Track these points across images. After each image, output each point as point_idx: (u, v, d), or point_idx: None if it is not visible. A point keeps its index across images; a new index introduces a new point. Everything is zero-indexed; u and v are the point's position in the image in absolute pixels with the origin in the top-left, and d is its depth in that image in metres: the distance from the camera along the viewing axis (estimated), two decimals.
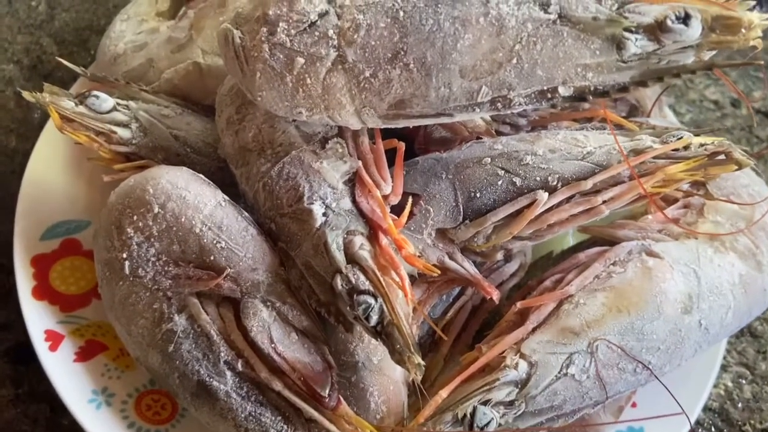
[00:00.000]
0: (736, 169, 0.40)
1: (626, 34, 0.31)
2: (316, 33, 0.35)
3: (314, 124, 0.38)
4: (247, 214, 0.39)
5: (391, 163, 0.39)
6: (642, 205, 0.43)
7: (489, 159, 0.41)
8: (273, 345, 0.36)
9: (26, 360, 0.47)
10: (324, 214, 0.36)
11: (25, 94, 0.42)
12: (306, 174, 0.37)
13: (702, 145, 0.40)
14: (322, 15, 0.35)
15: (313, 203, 0.36)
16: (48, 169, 0.49)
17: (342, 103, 0.35)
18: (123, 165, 0.43)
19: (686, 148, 0.40)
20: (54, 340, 0.43)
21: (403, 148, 0.39)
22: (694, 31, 0.31)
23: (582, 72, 0.32)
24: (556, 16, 0.32)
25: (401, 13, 0.34)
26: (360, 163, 0.38)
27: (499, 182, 0.41)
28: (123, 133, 0.43)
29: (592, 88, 0.33)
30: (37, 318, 0.43)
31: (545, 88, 0.33)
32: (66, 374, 0.41)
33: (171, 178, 0.39)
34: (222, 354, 0.37)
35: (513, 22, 0.32)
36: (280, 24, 0.35)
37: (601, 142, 0.42)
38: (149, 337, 0.39)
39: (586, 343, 0.38)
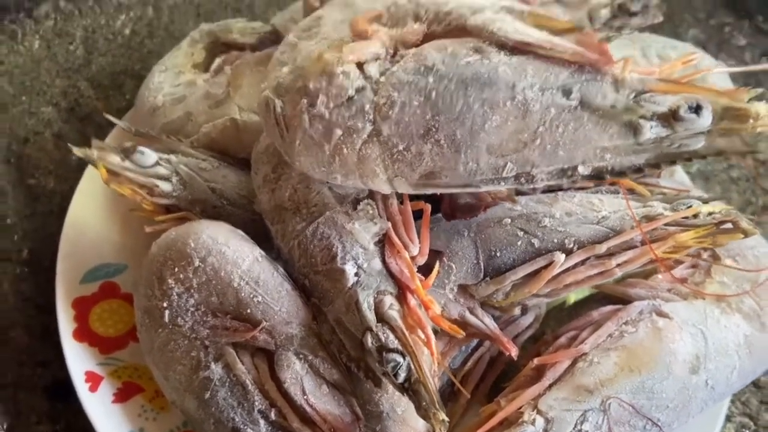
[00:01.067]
0: (743, 237, 0.43)
1: (642, 122, 0.34)
2: (354, 107, 0.38)
3: (347, 187, 0.41)
4: (282, 269, 0.42)
5: (417, 221, 0.42)
6: (653, 266, 0.45)
7: (509, 220, 0.44)
8: (305, 396, 0.39)
9: (63, 397, 0.49)
10: (356, 274, 0.39)
11: (75, 150, 0.45)
12: (339, 234, 0.40)
13: (710, 213, 0.43)
14: (359, 90, 0.38)
15: (345, 263, 0.39)
16: (87, 214, 0.52)
17: (375, 172, 0.38)
18: (164, 217, 0.46)
19: (695, 216, 0.43)
20: (93, 381, 0.45)
21: (429, 210, 0.41)
22: (705, 120, 0.34)
23: (600, 153, 0.35)
24: (577, 102, 0.35)
25: (433, 93, 0.36)
26: (389, 224, 0.40)
27: (519, 242, 0.43)
28: (164, 186, 0.46)
29: (609, 168, 0.35)
30: (78, 359, 0.46)
31: (566, 166, 0.35)
32: (105, 415, 0.44)
33: (211, 233, 0.42)
34: (256, 403, 0.39)
35: (537, 106, 0.35)
36: (320, 97, 0.38)
37: (615, 206, 0.44)
38: (186, 383, 0.41)
39: (600, 400, 0.40)
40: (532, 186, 0.36)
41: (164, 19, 0.71)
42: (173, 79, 0.56)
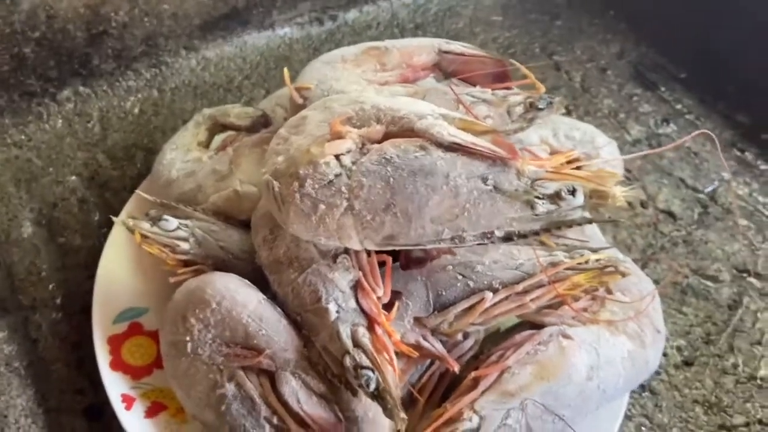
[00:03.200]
0: (621, 278, 0.57)
1: (536, 200, 0.49)
2: (333, 188, 0.51)
3: (329, 246, 0.54)
4: (279, 309, 0.54)
5: (381, 269, 0.55)
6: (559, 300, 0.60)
7: (451, 267, 0.57)
8: (300, 405, 0.51)
9: (98, 417, 0.60)
10: (337, 311, 0.51)
11: (116, 221, 0.58)
12: (323, 281, 0.52)
13: (597, 260, 0.58)
14: (337, 176, 0.50)
15: (329, 303, 0.51)
16: (115, 267, 0.63)
17: (350, 235, 0.51)
18: (183, 269, 0.58)
19: (587, 262, 0.58)
20: (128, 402, 0.56)
21: (390, 261, 0.55)
22: (579, 199, 0.48)
23: (509, 222, 0.49)
24: (492, 187, 0.49)
25: (391, 179, 0.49)
26: (360, 273, 0.54)
27: (458, 284, 0.56)
28: (184, 245, 0.59)
29: (516, 232, 0.49)
30: (115, 385, 0.57)
31: (486, 231, 0.49)
32: (139, 428, 0.55)
33: (224, 282, 0.54)
34: (262, 412, 0.51)
35: (465, 190, 0.49)
36: (308, 180, 0.51)
37: (529, 255, 0.58)
38: (206, 400, 0.53)
39: (519, 402, 0.53)
40: (462, 245, 0.50)
41: (167, 100, 0.83)
42: (183, 156, 0.69)
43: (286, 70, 0.62)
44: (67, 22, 0.73)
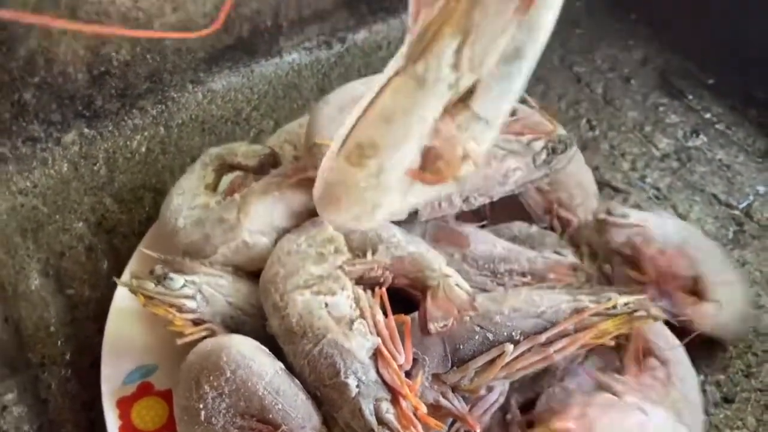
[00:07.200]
0: (654, 321, 0.54)
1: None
2: None
3: (341, 308, 0.52)
4: (297, 381, 0.51)
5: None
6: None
7: (468, 318, 0.55)
8: None
9: None
10: (357, 386, 0.48)
11: (119, 282, 0.56)
12: (340, 353, 0.49)
13: (626, 303, 0.54)
14: None
15: (348, 377, 0.49)
16: (122, 325, 0.62)
17: None
18: (191, 329, 0.56)
19: (614, 306, 0.54)
20: None
21: (409, 323, 0.52)
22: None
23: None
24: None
25: None
26: (379, 339, 0.51)
27: (476, 337, 0.54)
28: (190, 304, 0.56)
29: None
30: None
31: None
32: None
33: (240, 349, 0.52)
34: None
35: None
36: None
37: (552, 302, 0.55)
38: None
39: None
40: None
41: (174, 137, 0.81)
42: (190, 201, 0.66)
43: None
44: (66, 65, 0.72)
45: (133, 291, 0.56)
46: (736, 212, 0.85)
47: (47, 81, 0.71)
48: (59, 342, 0.66)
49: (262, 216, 0.61)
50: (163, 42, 0.77)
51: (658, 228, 0.65)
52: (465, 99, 0.37)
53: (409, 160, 0.39)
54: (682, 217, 0.85)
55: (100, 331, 0.63)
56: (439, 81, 0.36)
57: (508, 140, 0.61)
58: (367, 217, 0.42)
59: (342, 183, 0.41)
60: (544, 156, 0.59)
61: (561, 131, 0.65)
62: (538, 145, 0.61)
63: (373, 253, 0.57)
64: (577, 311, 0.54)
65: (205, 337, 0.56)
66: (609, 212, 0.66)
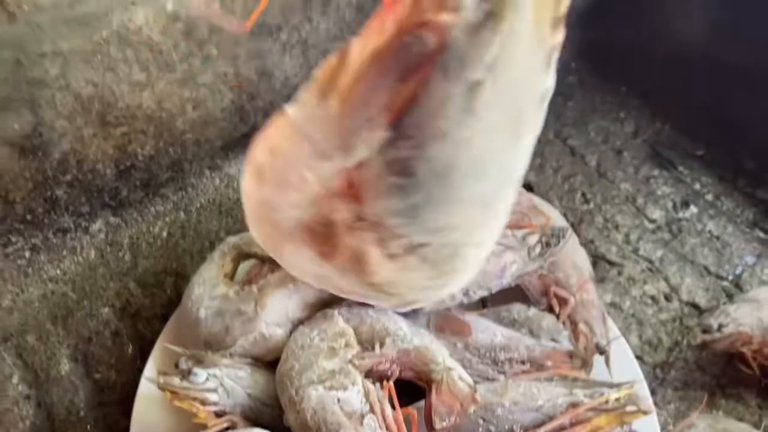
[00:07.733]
0: (644, 416, 0.58)
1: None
2: None
3: (353, 403, 0.56)
4: None
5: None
6: None
7: (472, 411, 0.59)
8: None
9: None
10: None
11: (147, 379, 0.60)
12: None
13: (617, 398, 0.58)
14: None
15: None
16: (149, 411, 0.66)
17: None
18: (214, 422, 0.60)
19: (607, 401, 0.58)
20: None
21: (416, 416, 0.56)
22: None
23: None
24: None
25: None
26: None
27: (479, 429, 0.58)
28: (212, 397, 0.61)
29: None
30: None
31: None
32: None
33: None
34: None
35: None
36: None
37: (550, 395, 0.59)
38: None
39: None
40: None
41: (193, 221, 0.86)
42: (210, 291, 0.71)
43: None
44: (96, 163, 0.77)
45: (161, 388, 0.60)
46: (726, 283, 0.89)
47: (78, 178, 0.77)
48: (88, 426, 0.70)
49: (278, 308, 0.66)
50: (184, 135, 0.83)
51: (752, 328, 0.72)
52: None
53: None
54: (674, 288, 0.89)
55: (126, 414, 0.66)
56: None
57: (505, 235, 0.66)
58: None
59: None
60: (538, 250, 0.64)
61: (557, 221, 0.70)
62: (533, 239, 0.66)
63: (381, 346, 0.61)
64: (573, 405, 0.58)
65: (227, 428, 0.60)
66: (705, 330, 0.73)
